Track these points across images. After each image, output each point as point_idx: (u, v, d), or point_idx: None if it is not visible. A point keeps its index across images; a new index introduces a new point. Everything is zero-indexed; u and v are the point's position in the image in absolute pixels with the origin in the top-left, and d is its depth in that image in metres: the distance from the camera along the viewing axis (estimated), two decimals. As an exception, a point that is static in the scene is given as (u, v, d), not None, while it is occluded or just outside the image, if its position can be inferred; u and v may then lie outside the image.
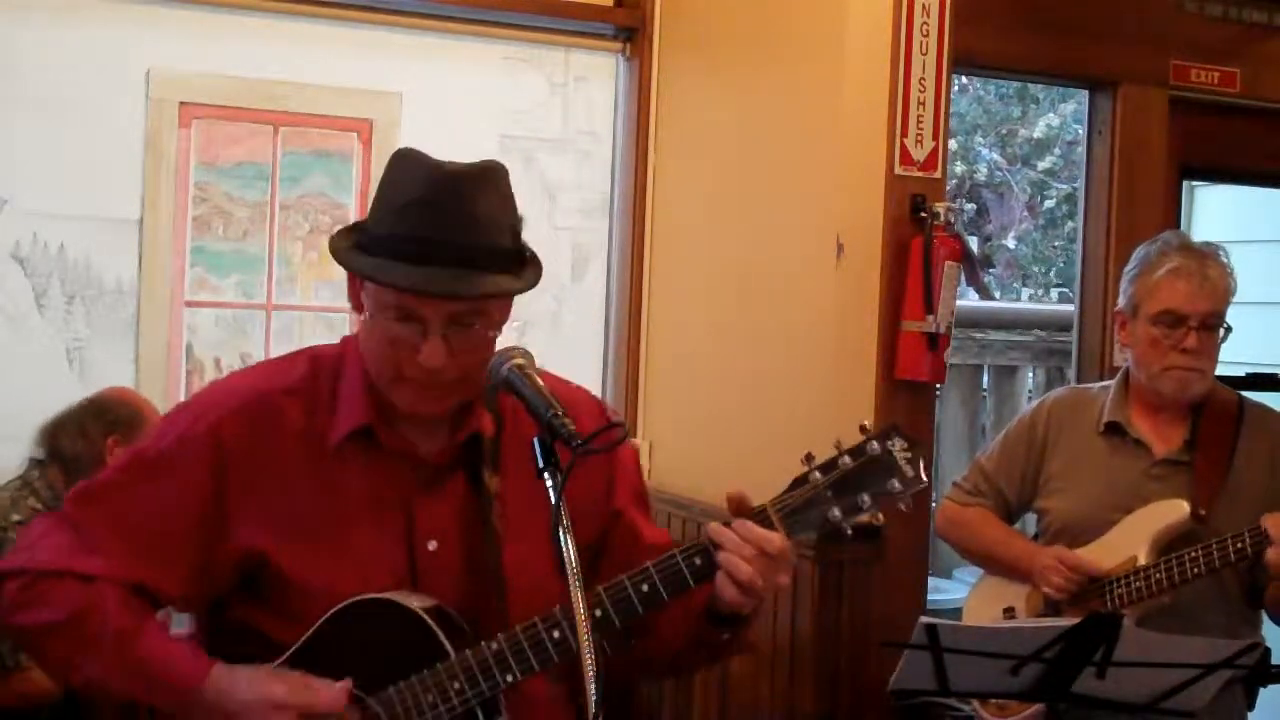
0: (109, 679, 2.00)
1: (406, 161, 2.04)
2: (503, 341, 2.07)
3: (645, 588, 1.97)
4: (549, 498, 1.87)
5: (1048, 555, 3.07)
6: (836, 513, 1.96)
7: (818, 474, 1.97)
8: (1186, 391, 3.08)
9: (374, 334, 2.03)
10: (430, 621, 1.99)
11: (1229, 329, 3.09)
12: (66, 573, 2.01)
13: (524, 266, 2.05)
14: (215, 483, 2.03)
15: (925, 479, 1.98)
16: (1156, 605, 2.96)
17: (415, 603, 2.00)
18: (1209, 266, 3.05)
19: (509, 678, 1.97)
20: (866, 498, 1.96)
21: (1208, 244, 3.16)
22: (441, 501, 2.08)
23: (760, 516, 1.98)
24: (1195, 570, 2.91)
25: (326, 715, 1.96)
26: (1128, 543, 3.02)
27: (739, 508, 2.00)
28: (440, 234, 1.96)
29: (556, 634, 1.96)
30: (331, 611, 2.00)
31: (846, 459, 1.96)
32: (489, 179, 2.03)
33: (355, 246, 2.02)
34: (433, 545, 2.07)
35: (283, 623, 2.03)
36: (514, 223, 2.05)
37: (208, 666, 1.99)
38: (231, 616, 2.09)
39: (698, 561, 1.98)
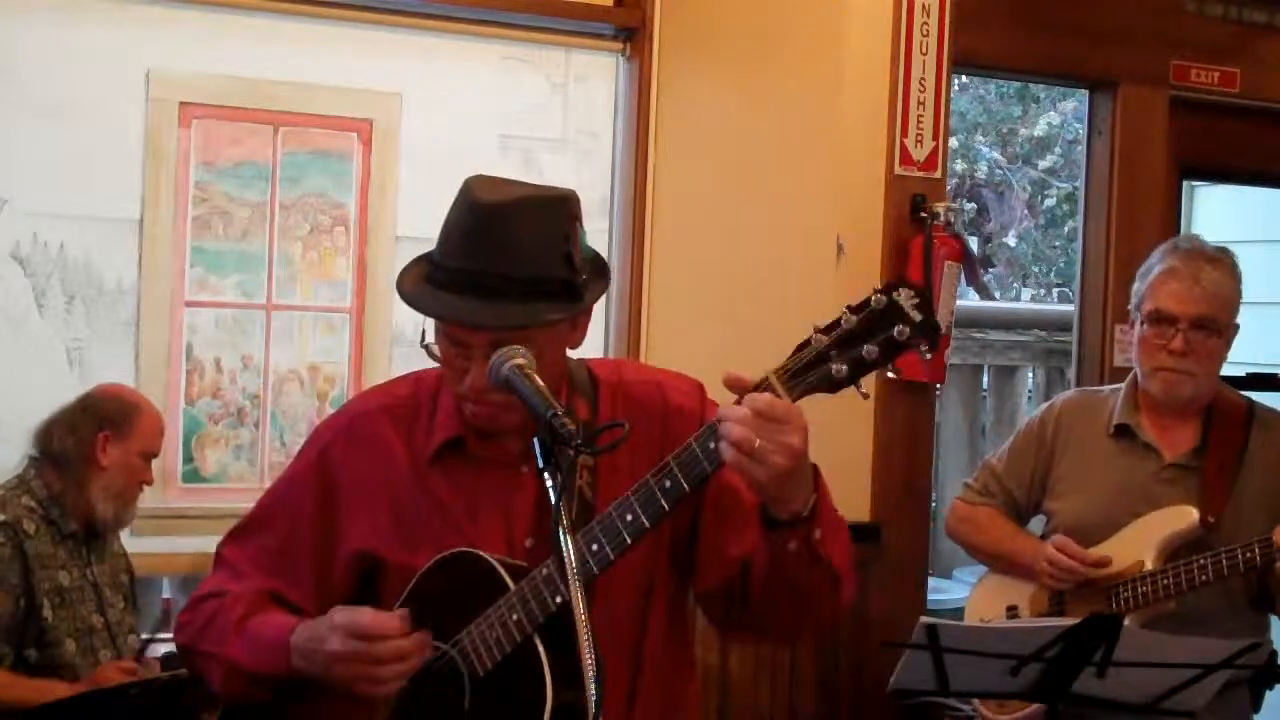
0: (240, 662, 2.14)
1: (465, 190, 2.10)
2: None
3: (668, 483, 1.95)
4: (643, 474, 1.92)
5: (1050, 544, 3.08)
6: (841, 368, 1.89)
7: (821, 335, 1.91)
8: (1173, 393, 3.07)
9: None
10: (498, 566, 2.05)
11: (1236, 327, 3.08)
12: (217, 593, 2.23)
13: (574, 292, 2.08)
14: (326, 501, 2.20)
15: (937, 325, 1.91)
16: (1162, 611, 2.96)
17: (494, 556, 2.07)
18: (1204, 270, 3.04)
19: (557, 599, 1.99)
20: (873, 348, 1.88)
21: (1219, 248, 3.14)
22: (535, 499, 2.12)
23: (762, 385, 1.93)
24: (1204, 577, 2.92)
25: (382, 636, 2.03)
26: (1135, 547, 3.02)
27: (736, 384, 1.96)
28: (477, 264, 2.04)
29: (595, 547, 1.98)
30: (422, 570, 2.10)
31: (850, 316, 1.90)
32: (538, 206, 2.07)
33: (422, 276, 2.11)
34: (529, 543, 2.12)
35: None
36: (567, 249, 2.07)
37: (294, 622, 2.12)
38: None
39: (712, 445, 1.93)
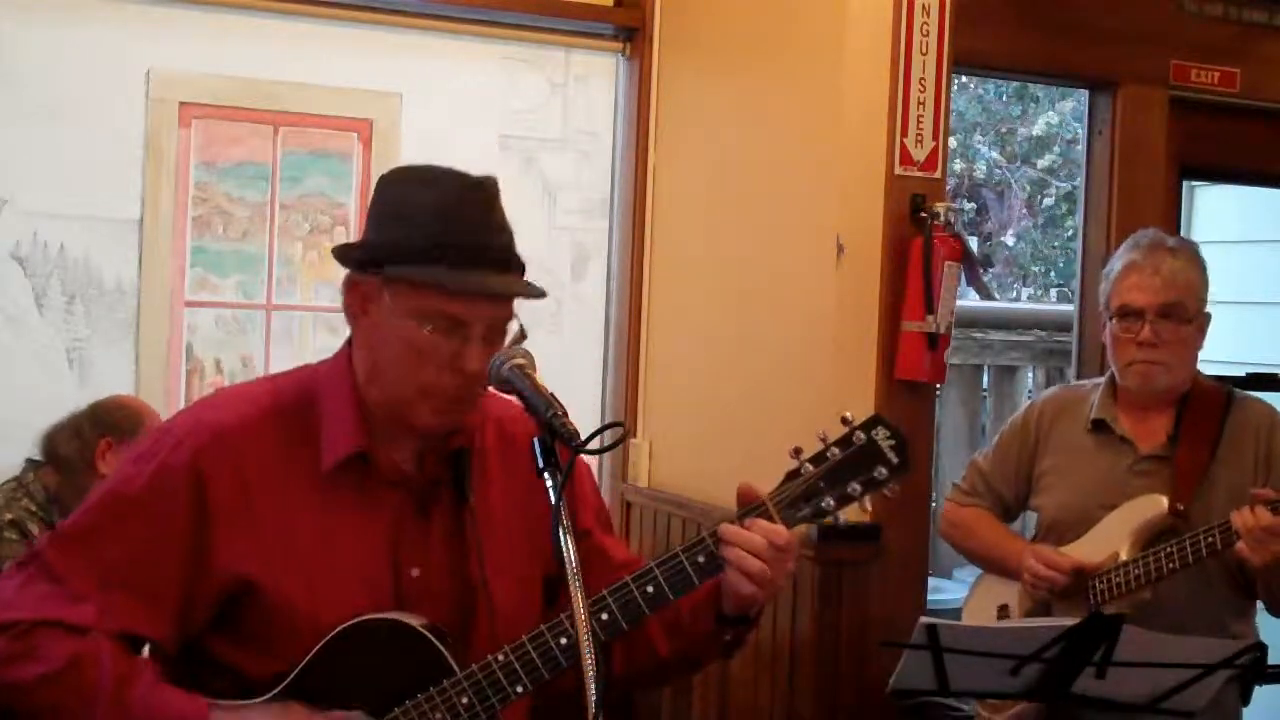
0: None
1: (417, 174, 2.05)
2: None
3: (650, 589, 2.00)
4: (519, 503, 1.97)
5: (1027, 552, 3.10)
6: (830, 502, 2.02)
7: (809, 466, 2.03)
8: (1149, 385, 3.08)
9: (395, 348, 2.00)
10: (433, 638, 1.99)
11: (1207, 316, 3.09)
12: (56, 623, 1.95)
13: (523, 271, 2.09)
14: (196, 517, 1.98)
15: (910, 465, 2.05)
16: (1138, 600, 2.97)
17: (414, 621, 2.01)
18: (1163, 259, 3.07)
19: (519, 689, 1.98)
20: (857, 486, 2.02)
21: (1180, 239, 3.19)
22: (425, 524, 2.08)
23: (760, 510, 2.03)
24: (1170, 565, 2.93)
25: None
26: (1110, 539, 3.04)
27: (744, 499, 2.05)
28: (487, 238, 2.00)
29: (564, 640, 1.97)
30: (329, 636, 1.98)
31: (835, 450, 2.03)
32: (496, 187, 2.07)
33: (389, 261, 1.98)
34: (415, 572, 2.06)
35: (258, 656, 2.00)
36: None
37: (206, 707, 1.95)
38: (203, 651, 2.04)
39: (701, 559, 2.02)
